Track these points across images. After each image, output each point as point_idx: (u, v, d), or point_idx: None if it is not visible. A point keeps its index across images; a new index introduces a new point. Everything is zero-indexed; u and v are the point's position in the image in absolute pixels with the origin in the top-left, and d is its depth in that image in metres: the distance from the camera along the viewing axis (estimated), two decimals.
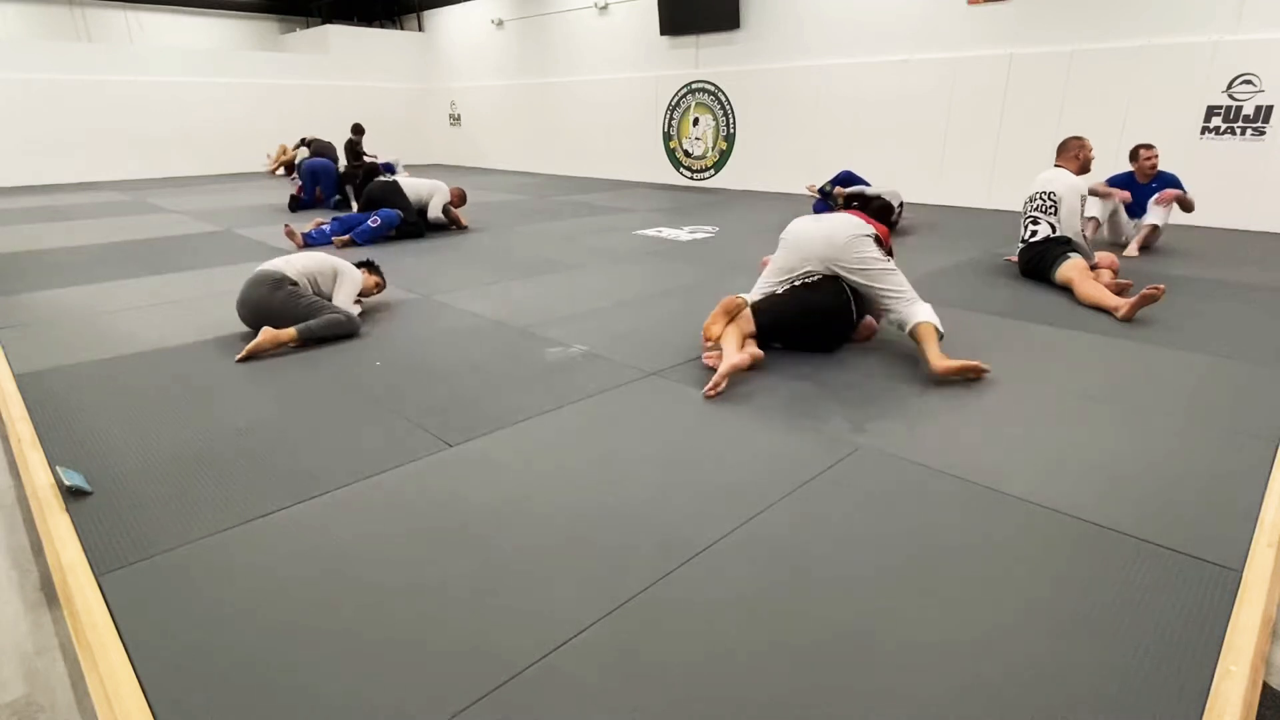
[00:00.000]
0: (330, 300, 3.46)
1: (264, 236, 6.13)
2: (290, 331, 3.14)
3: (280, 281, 3.28)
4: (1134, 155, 5.16)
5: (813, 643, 1.38)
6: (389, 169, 10.29)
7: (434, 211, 6.20)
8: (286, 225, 5.73)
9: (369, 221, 5.73)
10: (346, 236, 5.67)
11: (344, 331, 3.31)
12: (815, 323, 3.03)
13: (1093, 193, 5.16)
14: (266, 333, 3.08)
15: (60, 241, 5.88)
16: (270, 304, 3.22)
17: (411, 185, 6.23)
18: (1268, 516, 1.79)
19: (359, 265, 3.75)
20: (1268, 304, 3.80)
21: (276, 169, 10.11)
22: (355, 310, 3.53)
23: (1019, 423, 2.38)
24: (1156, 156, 5.06)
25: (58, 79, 10.72)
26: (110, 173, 11.25)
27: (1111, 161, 6.07)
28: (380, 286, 3.84)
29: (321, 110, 13.02)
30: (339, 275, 3.54)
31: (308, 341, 3.18)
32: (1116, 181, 5.24)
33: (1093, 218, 5.16)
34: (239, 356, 3.01)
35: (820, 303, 2.99)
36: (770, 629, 1.42)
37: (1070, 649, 1.36)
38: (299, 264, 3.43)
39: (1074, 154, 4.28)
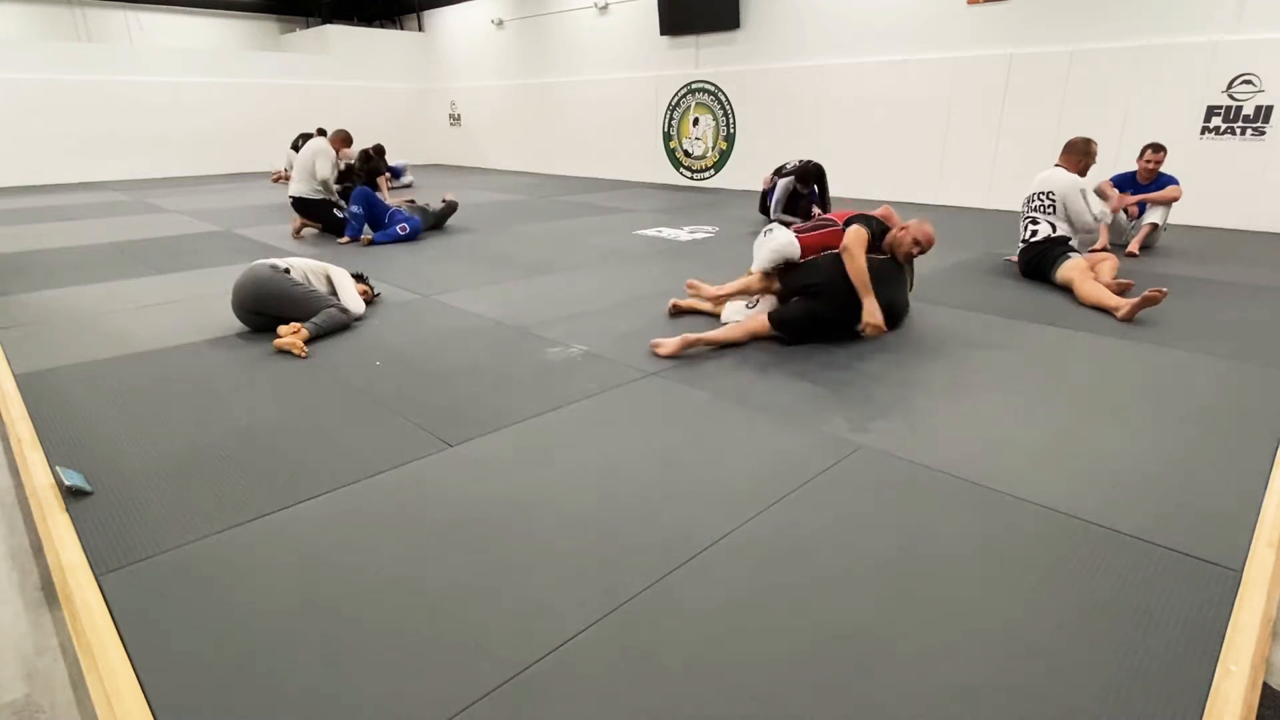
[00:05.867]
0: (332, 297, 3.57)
1: (264, 236, 6.13)
2: (304, 330, 3.21)
3: (276, 267, 3.37)
4: (1141, 155, 5.16)
5: (813, 642, 1.38)
6: (397, 173, 10.26)
7: (322, 174, 6.10)
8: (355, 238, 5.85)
9: (396, 229, 5.82)
10: (370, 236, 5.78)
11: (342, 324, 3.43)
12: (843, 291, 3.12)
13: (1098, 193, 5.16)
14: (288, 327, 3.19)
15: (60, 241, 5.88)
16: (269, 285, 3.29)
17: (298, 168, 6.19)
18: (1268, 516, 1.79)
19: (357, 276, 3.87)
20: (1269, 304, 3.80)
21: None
22: (361, 307, 3.61)
23: (1019, 423, 2.38)
24: (1156, 162, 5.05)
25: (58, 79, 10.71)
26: (110, 173, 11.25)
27: (1111, 162, 6.07)
28: (368, 295, 3.87)
29: (321, 110, 13.00)
30: (333, 277, 3.62)
31: (315, 337, 3.25)
32: (1118, 181, 5.24)
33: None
34: (277, 344, 3.10)
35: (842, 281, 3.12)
36: (771, 628, 1.42)
37: (1070, 649, 1.36)
38: (294, 262, 3.50)
39: (1077, 156, 4.26)
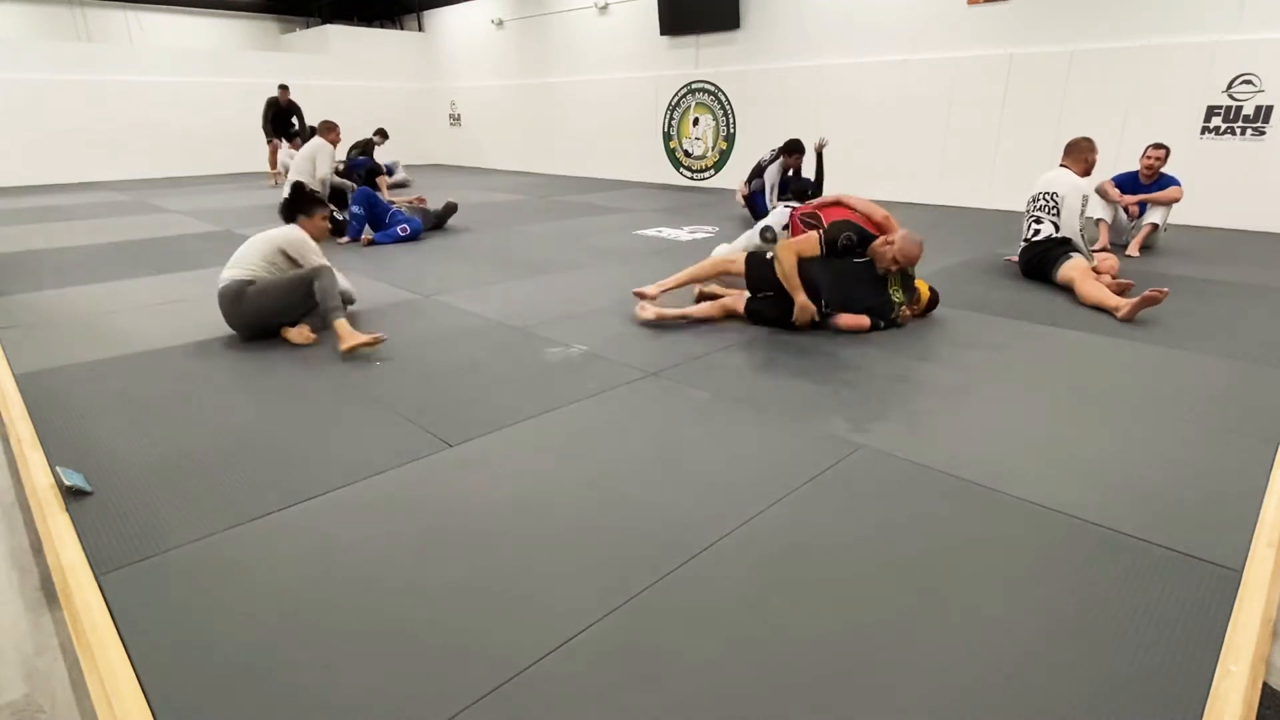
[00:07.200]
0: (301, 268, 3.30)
1: None
2: (311, 335, 3.21)
3: (239, 292, 3.17)
4: (1144, 153, 5.16)
5: (813, 643, 1.38)
6: (389, 170, 10.28)
7: (322, 171, 6.13)
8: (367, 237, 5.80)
9: (397, 229, 5.83)
10: (370, 236, 5.78)
11: (333, 290, 3.17)
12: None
13: (1100, 192, 5.16)
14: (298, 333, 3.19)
15: (60, 241, 5.88)
16: (241, 314, 3.20)
17: (296, 169, 6.21)
18: (1268, 516, 1.79)
19: (299, 203, 3.43)
20: (1268, 304, 3.80)
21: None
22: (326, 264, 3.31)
23: (1019, 423, 2.38)
24: (1158, 159, 5.05)
25: (58, 79, 10.70)
26: (110, 173, 11.24)
27: (1111, 162, 6.07)
28: (327, 221, 3.50)
29: (321, 110, 12.97)
30: (291, 247, 3.29)
31: (329, 321, 3.12)
32: (1120, 181, 5.24)
33: (1101, 219, 5.16)
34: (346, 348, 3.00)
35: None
36: (771, 629, 1.42)
37: (1070, 649, 1.36)
38: (250, 259, 3.26)
39: (1081, 156, 4.27)
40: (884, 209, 3.55)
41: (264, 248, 3.29)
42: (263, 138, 10.06)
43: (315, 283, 3.17)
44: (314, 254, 3.31)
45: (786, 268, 3.28)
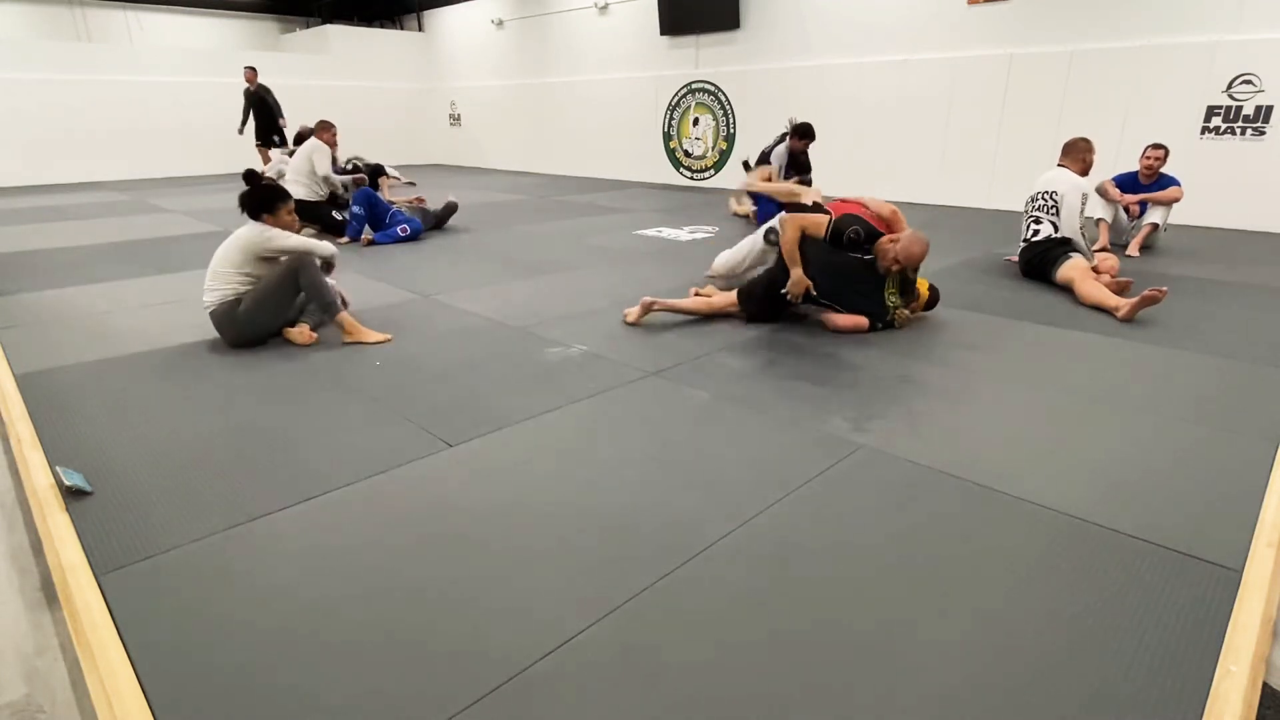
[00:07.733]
0: (280, 260, 3.21)
1: None
2: (312, 335, 3.22)
3: (229, 314, 3.12)
4: (1143, 153, 5.16)
5: (813, 643, 1.38)
6: (378, 171, 10.24)
7: (322, 170, 6.13)
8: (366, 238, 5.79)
9: (397, 229, 5.82)
10: (370, 236, 5.77)
11: (322, 284, 3.18)
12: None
13: (1100, 192, 5.16)
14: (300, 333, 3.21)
15: (60, 241, 5.88)
16: (237, 334, 3.15)
17: (294, 170, 6.19)
18: (1268, 516, 1.79)
19: (260, 200, 3.22)
20: (1268, 304, 3.80)
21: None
22: (309, 243, 3.28)
23: (1019, 423, 2.38)
24: (1157, 159, 5.05)
25: (58, 79, 10.70)
26: (110, 173, 11.24)
27: (1111, 162, 6.07)
28: (293, 214, 3.34)
29: (321, 111, 12.96)
30: (261, 248, 3.16)
31: (328, 318, 3.25)
32: (1120, 181, 5.24)
33: (1101, 219, 5.15)
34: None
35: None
36: (770, 629, 1.42)
37: (1070, 649, 1.36)
38: (225, 274, 3.15)
39: (1079, 156, 4.28)
40: (892, 205, 3.55)
41: (235, 256, 3.15)
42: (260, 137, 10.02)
43: (300, 278, 3.12)
44: (285, 239, 3.17)
45: (789, 237, 3.30)
